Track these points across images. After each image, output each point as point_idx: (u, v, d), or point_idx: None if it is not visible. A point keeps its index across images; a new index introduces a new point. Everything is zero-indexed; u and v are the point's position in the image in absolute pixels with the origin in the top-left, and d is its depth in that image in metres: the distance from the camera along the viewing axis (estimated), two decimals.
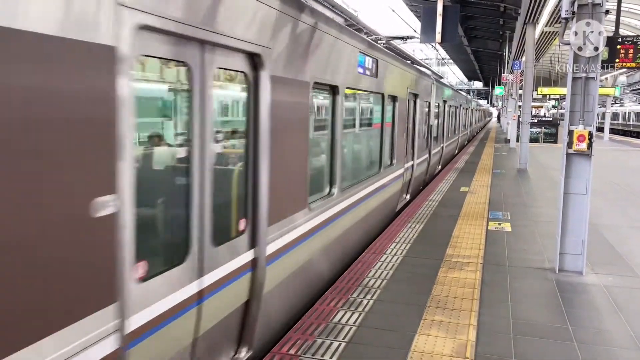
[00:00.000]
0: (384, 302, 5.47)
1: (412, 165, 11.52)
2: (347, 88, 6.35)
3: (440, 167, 17.52)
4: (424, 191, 12.92)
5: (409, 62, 11.78)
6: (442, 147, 17.33)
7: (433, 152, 14.72)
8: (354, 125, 7.53)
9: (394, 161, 9.46)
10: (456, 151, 24.55)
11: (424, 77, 12.42)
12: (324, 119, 6.02)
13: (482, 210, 10.51)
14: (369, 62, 7.26)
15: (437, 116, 15.44)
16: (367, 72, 7.22)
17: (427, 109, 13.25)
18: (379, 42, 13.61)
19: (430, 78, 13.45)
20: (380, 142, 8.70)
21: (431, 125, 13.98)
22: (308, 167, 5.01)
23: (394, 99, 9.25)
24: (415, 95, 11.40)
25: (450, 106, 19.38)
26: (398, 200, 10.39)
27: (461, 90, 59.36)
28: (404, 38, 15.99)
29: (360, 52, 6.85)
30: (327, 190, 6.05)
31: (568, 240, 6.79)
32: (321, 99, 5.94)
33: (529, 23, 21.26)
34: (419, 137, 12.12)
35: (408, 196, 11.52)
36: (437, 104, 15.12)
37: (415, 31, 34.64)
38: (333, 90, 5.97)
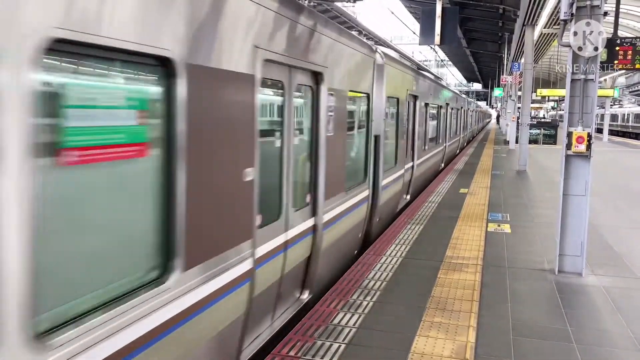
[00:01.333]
0: (384, 303, 5.48)
1: (314, 227, 5.64)
2: None
3: (408, 196, 11.83)
4: (423, 193, 12.79)
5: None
6: (412, 167, 11.88)
7: (384, 182, 8.86)
8: None
9: (217, 257, 3.60)
10: (442, 165, 18.77)
11: (338, 38, 6.01)
12: None
13: (481, 212, 10.52)
14: None
15: (397, 121, 9.90)
16: None
17: (363, 107, 7.69)
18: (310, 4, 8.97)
19: (371, 51, 7.79)
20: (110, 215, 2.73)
21: (377, 137, 8.32)
22: None
23: (196, 73, 3.21)
24: (317, 75, 5.50)
25: (427, 104, 13.56)
26: (239, 346, 4.17)
27: (460, 91, 59.13)
28: None
29: None
30: None
31: (567, 241, 6.80)
32: None
33: (528, 25, 21.29)
34: (331, 165, 5.98)
35: (305, 295, 5.72)
36: (394, 100, 9.53)
37: (414, 33, 34.76)
38: None
